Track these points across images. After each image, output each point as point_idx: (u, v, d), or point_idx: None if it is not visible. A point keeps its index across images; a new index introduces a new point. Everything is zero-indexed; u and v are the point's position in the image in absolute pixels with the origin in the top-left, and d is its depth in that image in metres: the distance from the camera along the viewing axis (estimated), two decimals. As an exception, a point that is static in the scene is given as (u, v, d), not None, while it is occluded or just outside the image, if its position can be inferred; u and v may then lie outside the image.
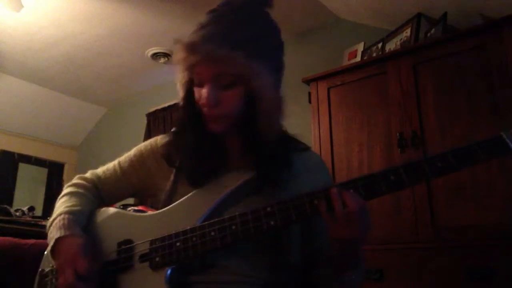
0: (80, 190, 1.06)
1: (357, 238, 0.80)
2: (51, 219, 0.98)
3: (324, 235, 0.86)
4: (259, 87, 0.88)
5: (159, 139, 1.07)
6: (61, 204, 1.01)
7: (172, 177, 0.98)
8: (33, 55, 3.65)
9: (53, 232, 0.94)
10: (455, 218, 1.84)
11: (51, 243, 0.93)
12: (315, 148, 2.30)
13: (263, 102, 0.88)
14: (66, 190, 1.07)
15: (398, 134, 2.07)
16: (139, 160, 1.06)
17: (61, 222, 0.94)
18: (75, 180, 1.10)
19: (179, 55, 0.89)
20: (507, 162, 1.76)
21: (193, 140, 0.96)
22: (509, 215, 1.72)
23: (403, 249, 1.92)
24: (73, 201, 1.01)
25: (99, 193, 1.08)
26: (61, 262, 0.89)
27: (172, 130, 1.02)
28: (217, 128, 0.92)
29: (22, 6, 2.82)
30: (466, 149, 0.77)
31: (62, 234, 0.92)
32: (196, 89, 0.92)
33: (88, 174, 1.11)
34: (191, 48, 0.86)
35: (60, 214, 0.97)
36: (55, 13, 3.08)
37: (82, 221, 0.99)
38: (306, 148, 1.03)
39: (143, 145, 1.08)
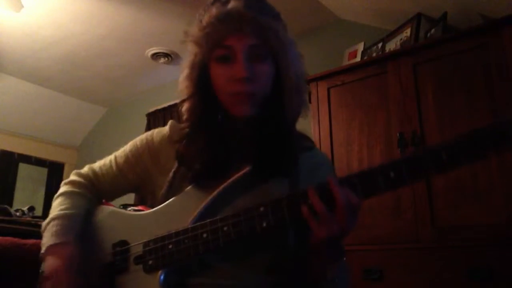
0: (76, 189, 1.02)
1: (340, 237, 0.76)
2: (45, 221, 0.96)
3: None
4: (287, 63, 0.86)
5: (155, 134, 1.03)
6: (57, 206, 0.98)
7: (171, 174, 0.94)
8: (33, 55, 3.65)
9: (46, 237, 0.92)
10: (455, 218, 1.84)
11: (42, 249, 0.91)
12: (315, 148, 2.29)
13: (288, 80, 0.86)
14: (62, 189, 1.03)
15: (398, 134, 2.06)
16: (135, 156, 1.02)
17: (54, 228, 0.92)
18: (71, 177, 1.06)
19: (206, 28, 0.83)
20: (507, 162, 1.76)
21: (209, 138, 0.90)
22: (509, 215, 1.72)
23: (403, 249, 1.92)
24: (69, 202, 0.98)
25: (97, 190, 1.05)
26: (47, 270, 0.87)
27: (186, 128, 0.96)
28: (247, 110, 0.86)
29: (22, 6, 2.82)
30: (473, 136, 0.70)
31: (54, 241, 0.90)
32: (220, 68, 0.86)
33: (85, 169, 1.07)
34: (227, 17, 0.81)
35: (53, 219, 0.94)
36: (55, 13, 3.08)
37: (76, 226, 0.95)
38: (311, 147, 0.99)
39: (138, 140, 1.05)
